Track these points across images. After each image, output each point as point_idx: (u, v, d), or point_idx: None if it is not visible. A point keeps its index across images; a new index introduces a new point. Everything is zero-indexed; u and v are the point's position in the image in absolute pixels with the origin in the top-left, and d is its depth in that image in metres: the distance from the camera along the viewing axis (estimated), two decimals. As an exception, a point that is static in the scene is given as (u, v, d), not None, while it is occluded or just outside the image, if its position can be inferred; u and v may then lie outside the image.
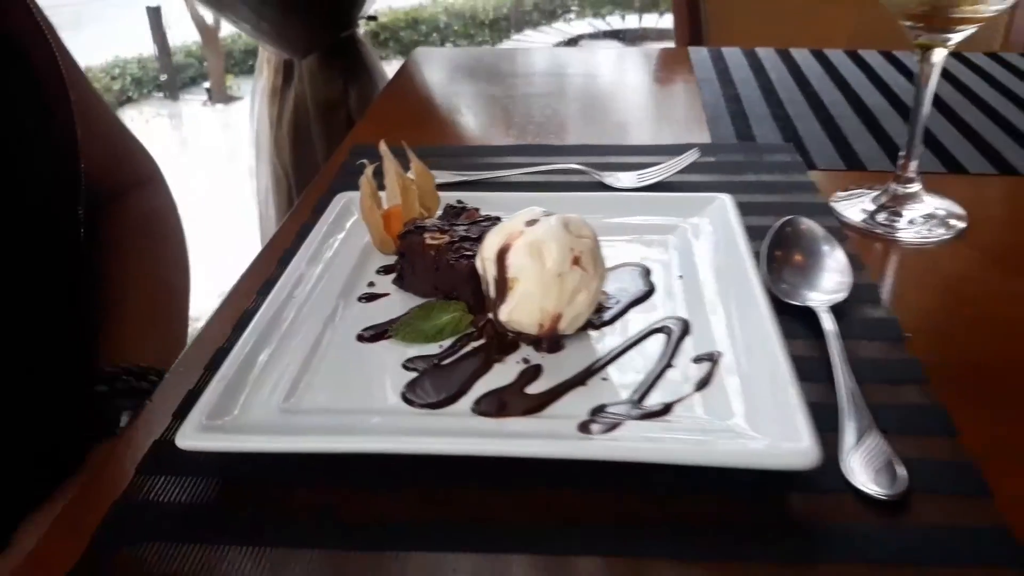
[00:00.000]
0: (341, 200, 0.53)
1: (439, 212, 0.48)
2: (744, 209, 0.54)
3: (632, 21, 5.74)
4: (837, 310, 0.45)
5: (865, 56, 0.90)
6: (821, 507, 0.34)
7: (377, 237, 0.47)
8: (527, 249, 0.38)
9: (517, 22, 5.88)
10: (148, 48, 4.66)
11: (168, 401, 0.40)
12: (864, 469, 0.34)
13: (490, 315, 0.41)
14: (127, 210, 0.65)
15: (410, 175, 0.49)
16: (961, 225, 0.55)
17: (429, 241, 0.43)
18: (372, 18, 1.17)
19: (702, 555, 0.32)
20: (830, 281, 0.46)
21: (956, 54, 0.92)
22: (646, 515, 0.33)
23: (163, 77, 4.58)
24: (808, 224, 0.49)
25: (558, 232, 0.38)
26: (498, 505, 0.34)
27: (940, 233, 0.54)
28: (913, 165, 0.55)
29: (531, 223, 0.39)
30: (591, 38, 5.44)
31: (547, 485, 0.34)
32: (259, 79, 1.16)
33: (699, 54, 0.92)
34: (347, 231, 0.50)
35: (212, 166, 3.49)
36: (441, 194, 0.50)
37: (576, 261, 0.38)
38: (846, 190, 0.59)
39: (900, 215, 0.55)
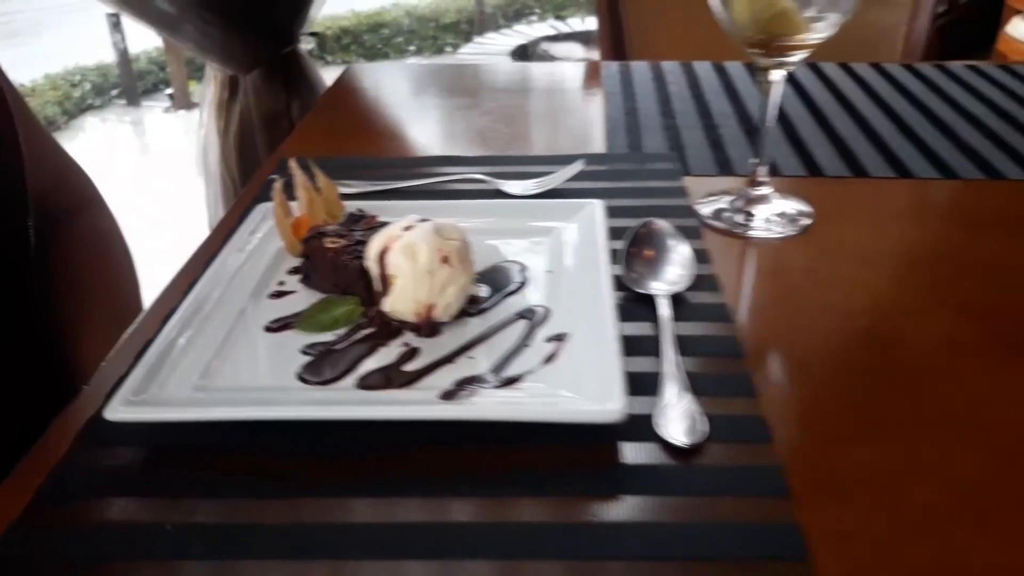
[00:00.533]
0: (261, 210, 0.60)
1: (343, 219, 0.56)
2: (621, 212, 0.62)
3: (593, 23, 5.81)
4: (679, 297, 0.53)
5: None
6: (639, 453, 0.42)
7: (287, 242, 0.54)
8: (402, 250, 0.45)
9: (480, 25, 5.95)
10: (109, 55, 4.67)
11: (105, 386, 0.47)
12: (672, 423, 0.42)
13: (378, 307, 0.48)
14: (77, 232, 0.71)
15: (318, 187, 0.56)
16: (808, 222, 0.63)
17: (328, 245, 0.50)
18: (314, 34, 1.24)
19: (542, 492, 0.39)
20: (673, 273, 0.54)
21: (844, 65, 1.01)
22: (502, 464, 0.41)
23: (113, 92, 4.59)
24: (662, 224, 0.57)
25: (428, 235, 0.46)
26: (375, 459, 0.41)
27: (788, 230, 0.63)
28: (763, 170, 0.64)
29: (408, 228, 0.47)
30: (552, 40, 5.52)
31: (417, 443, 0.42)
32: (207, 92, 1.22)
33: (609, 68, 1.00)
34: (264, 237, 0.57)
35: (175, 172, 3.52)
36: (347, 203, 0.58)
37: (445, 260, 0.46)
38: (711, 194, 0.67)
39: (752, 215, 0.63)
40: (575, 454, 0.42)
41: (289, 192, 0.58)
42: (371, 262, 0.47)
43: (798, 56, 0.59)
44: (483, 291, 0.51)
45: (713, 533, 0.37)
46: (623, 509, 0.39)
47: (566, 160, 0.71)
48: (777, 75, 0.60)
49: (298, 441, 0.42)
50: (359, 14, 5.66)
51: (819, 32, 0.58)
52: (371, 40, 5.69)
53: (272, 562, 0.36)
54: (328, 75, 1.06)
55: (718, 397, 0.45)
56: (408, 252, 0.45)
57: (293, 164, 0.56)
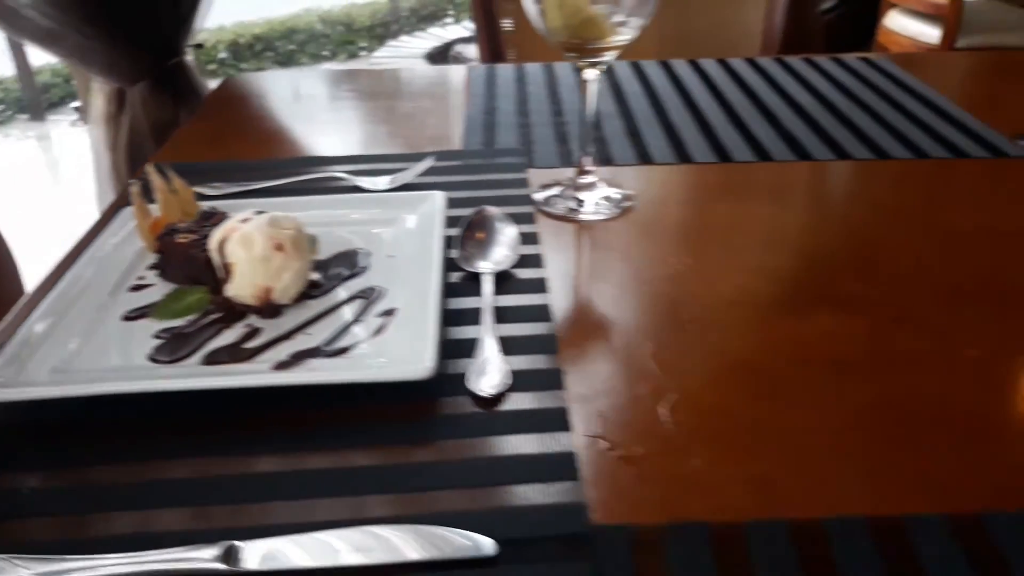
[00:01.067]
0: (127, 213, 0.65)
1: (196, 217, 0.61)
2: (468, 203, 0.69)
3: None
4: (506, 274, 0.60)
5: (615, 67, 1.07)
6: (454, 404, 0.48)
7: (147, 241, 0.59)
8: (238, 240, 0.51)
9: (394, 28, 5.96)
10: (9, 69, 4.54)
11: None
12: (481, 379, 0.49)
13: (223, 293, 0.54)
14: None
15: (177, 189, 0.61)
16: (631, 204, 0.71)
17: (179, 240, 0.55)
18: (199, 46, 1.27)
19: (373, 442, 0.46)
20: (500, 254, 0.61)
21: (692, 61, 1.10)
22: (344, 421, 0.47)
23: (12, 107, 4.47)
24: (494, 211, 0.64)
25: (262, 226, 0.52)
26: (215, 422, 0.47)
27: (612, 213, 0.70)
28: (588, 160, 0.71)
29: (245, 220, 0.52)
30: (465, 42, 5.57)
31: (265, 410, 0.47)
32: (93, 106, 1.25)
33: (477, 71, 1.07)
34: (127, 237, 0.62)
35: (81, 185, 3.46)
36: (203, 203, 0.63)
37: (279, 247, 0.52)
38: (547, 184, 0.74)
39: (582, 200, 0.71)
40: (402, 410, 0.48)
41: (150, 195, 0.63)
42: (212, 252, 0.52)
43: (609, 56, 0.67)
44: (318, 276, 0.57)
45: (507, 464, 0.44)
46: (437, 451, 0.45)
47: (420, 157, 0.77)
48: (591, 74, 0.68)
49: (150, 413, 0.47)
50: (271, 21, 5.63)
51: (625, 35, 0.65)
52: (284, 47, 5.65)
53: (117, 514, 0.42)
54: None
55: (526, 355, 0.52)
56: (244, 241, 0.51)
57: (150, 169, 0.61)
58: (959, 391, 0.49)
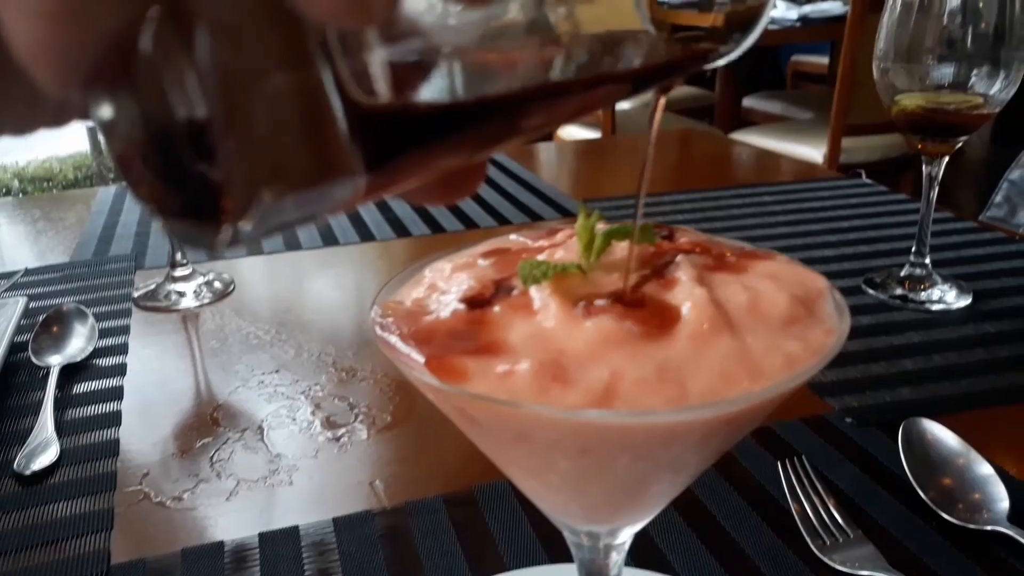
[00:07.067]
0: None
1: None
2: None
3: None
4: (84, 363, 0.62)
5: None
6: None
7: None
8: None
9: (102, 179, 5.70)
10: None
11: None
12: (26, 460, 0.50)
13: None
14: None
15: None
16: (231, 290, 0.76)
17: None
18: None
19: None
20: (75, 347, 0.63)
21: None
22: None
23: None
24: (72, 308, 0.66)
25: None
26: None
27: (210, 298, 0.74)
28: (179, 255, 0.76)
29: None
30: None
31: None
32: None
33: (105, 193, 1.09)
34: None
35: None
36: None
37: None
38: (150, 281, 0.77)
39: (182, 292, 0.75)
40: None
41: None
42: None
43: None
44: None
45: (45, 528, 0.46)
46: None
47: (12, 275, 0.78)
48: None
49: None
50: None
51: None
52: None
53: None
54: None
55: (89, 432, 0.54)
56: None
57: None
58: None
